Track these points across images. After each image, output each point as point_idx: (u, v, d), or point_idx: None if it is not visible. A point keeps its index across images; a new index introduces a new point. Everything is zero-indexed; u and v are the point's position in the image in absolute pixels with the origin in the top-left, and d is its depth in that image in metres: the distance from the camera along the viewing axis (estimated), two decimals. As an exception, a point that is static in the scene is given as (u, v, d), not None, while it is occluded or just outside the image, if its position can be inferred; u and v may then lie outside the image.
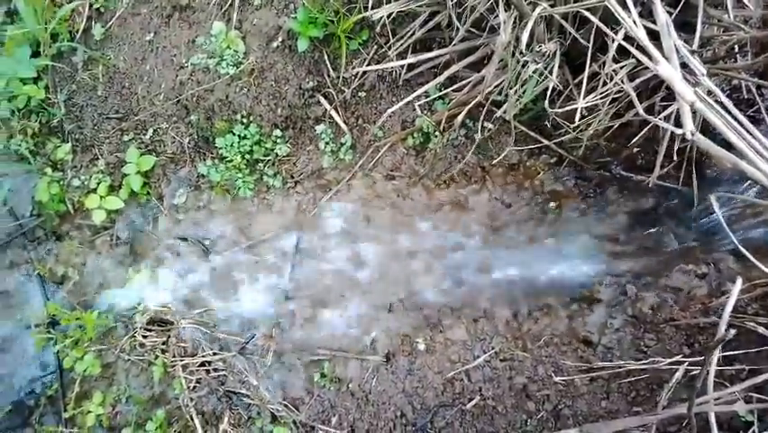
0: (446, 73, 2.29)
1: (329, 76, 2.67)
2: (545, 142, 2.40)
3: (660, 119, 1.81)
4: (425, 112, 2.58)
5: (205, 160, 2.83)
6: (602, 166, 2.45)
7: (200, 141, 2.85)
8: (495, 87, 2.16)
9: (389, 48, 2.46)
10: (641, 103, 1.84)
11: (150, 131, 2.87)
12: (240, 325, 2.66)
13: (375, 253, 2.67)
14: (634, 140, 2.21)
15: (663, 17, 1.63)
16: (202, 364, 2.57)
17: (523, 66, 2.03)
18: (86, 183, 2.87)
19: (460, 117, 2.26)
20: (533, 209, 2.56)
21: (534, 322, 2.40)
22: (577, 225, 2.49)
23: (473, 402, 2.30)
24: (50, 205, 2.88)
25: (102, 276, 2.85)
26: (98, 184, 2.84)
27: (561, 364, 2.27)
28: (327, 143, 2.72)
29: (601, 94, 1.89)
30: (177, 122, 2.86)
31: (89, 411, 2.63)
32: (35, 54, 2.92)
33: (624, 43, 1.63)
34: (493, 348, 2.38)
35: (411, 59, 2.28)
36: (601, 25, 1.67)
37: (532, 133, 2.41)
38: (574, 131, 2.17)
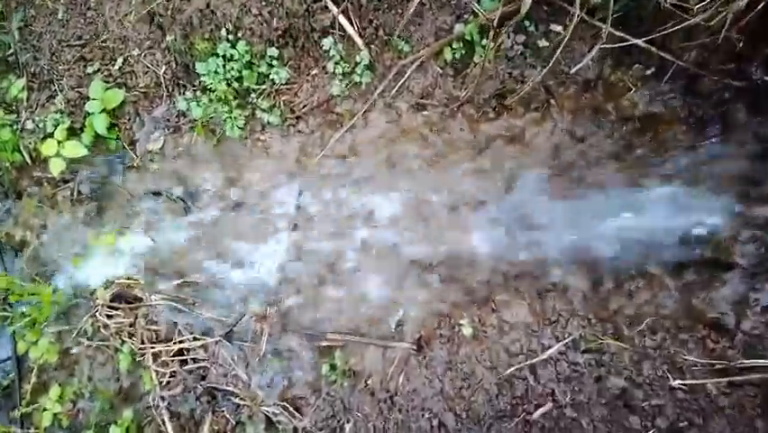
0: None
1: (338, -29, 2.01)
2: (641, 42, 1.65)
3: None
4: (468, 17, 1.89)
5: (184, 93, 2.23)
6: (729, 74, 1.69)
7: (179, 70, 2.31)
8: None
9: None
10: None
11: (120, 60, 2.37)
12: (226, 302, 2.09)
13: (401, 207, 2.05)
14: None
15: None
16: (178, 353, 2.01)
17: None
18: (41, 126, 2.33)
19: (523, 10, 1.54)
20: (617, 142, 1.84)
21: (627, 297, 1.68)
22: (686, 161, 1.75)
23: (542, 411, 1.62)
24: (2, 155, 2.35)
25: (63, 241, 2.31)
26: (56, 126, 2.33)
27: (679, 361, 1.54)
28: (337, 63, 2.07)
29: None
30: (151, 47, 2.33)
31: (45, 409, 2.13)
32: (-15, -27, 2.41)
33: None
34: (570, 334, 1.67)
35: None
36: None
37: (619, 34, 1.67)
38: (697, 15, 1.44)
